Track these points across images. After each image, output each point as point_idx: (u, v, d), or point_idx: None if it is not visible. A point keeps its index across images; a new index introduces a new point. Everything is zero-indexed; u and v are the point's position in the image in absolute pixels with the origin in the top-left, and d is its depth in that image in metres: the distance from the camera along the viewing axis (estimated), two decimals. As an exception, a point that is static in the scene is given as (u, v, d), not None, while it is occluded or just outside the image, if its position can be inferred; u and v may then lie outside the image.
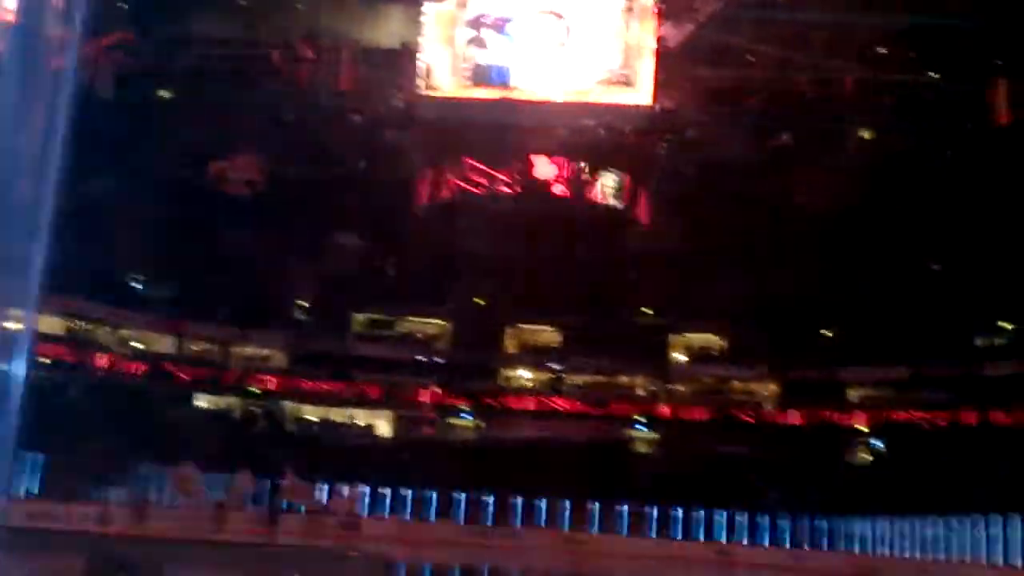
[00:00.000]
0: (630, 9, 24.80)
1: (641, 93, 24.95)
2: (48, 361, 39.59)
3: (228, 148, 32.90)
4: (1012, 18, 26.35)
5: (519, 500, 37.81)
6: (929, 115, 30.34)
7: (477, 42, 25.46)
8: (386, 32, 27.43)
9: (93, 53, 23.78)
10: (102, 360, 43.58)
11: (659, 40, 24.52)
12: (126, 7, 24.74)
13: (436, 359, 47.33)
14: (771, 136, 31.04)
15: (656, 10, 24.41)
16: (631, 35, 24.80)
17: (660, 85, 25.11)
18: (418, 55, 25.71)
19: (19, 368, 5.27)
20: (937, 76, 28.11)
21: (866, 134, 31.53)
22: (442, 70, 25.33)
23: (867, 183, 34.31)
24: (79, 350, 42.67)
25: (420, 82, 25.48)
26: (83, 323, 43.95)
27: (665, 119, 26.48)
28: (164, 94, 29.13)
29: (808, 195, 34.28)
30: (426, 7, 25.53)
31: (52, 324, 40.40)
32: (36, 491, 31.98)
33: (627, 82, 25.04)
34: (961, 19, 26.65)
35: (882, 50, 27.67)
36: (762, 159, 33.54)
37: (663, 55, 24.78)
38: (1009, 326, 44.12)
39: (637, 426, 46.04)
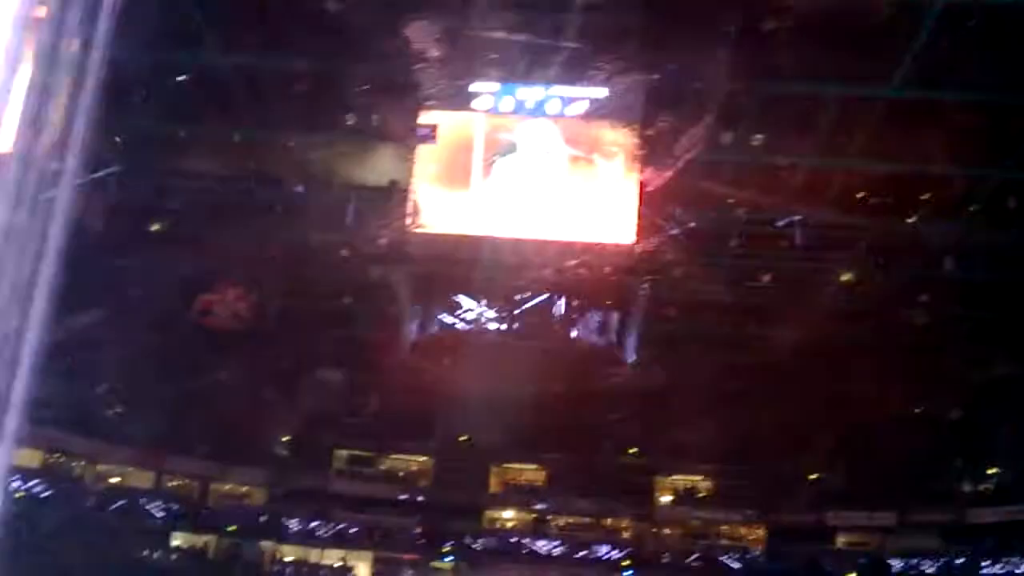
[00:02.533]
0: (614, 151, 25.28)
1: (625, 233, 25.23)
2: (22, 494, 38.98)
3: (216, 282, 33.02)
4: (986, 163, 27.00)
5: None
6: (909, 258, 30.74)
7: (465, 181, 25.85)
8: (376, 170, 27.90)
9: (86, 185, 24.12)
10: (78, 494, 42.85)
11: (642, 182, 24.95)
12: (119, 140, 25.20)
13: (418, 498, 46.76)
14: (752, 277, 31.36)
15: (639, 153, 24.89)
16: (615, 176, 25.23)
17: (643, 226, 25.44)
18: (406, 193, 26.04)
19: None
20: (914, 220, 28.63)
21: (845, 276, 31.90)
22: (429, 208, 25.67)
23: (851, 326, 34.53)
24: (54, 483, 41.98)
25: (408, 219, 25.74)
26: (60, 456, 43.39)
27: (649, 259, 26.75)
28: (154, 227, 29.39)
29: (792, 337, 34.42)
30: (415, 146, 25.94)
31: (29, 457, 39.90)
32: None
33: (612, 222, 25.35)
34: (936, 165, 27.23)
35: (860, 194, 28.25)
36: (745, 300, 33.78)
37: (646, 197, 25.17)
38: (996, 471, 44.05)
39: (623, 571, 45.25)
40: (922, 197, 28.90)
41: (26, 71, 4.41)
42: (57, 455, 43.29)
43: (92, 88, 4.77)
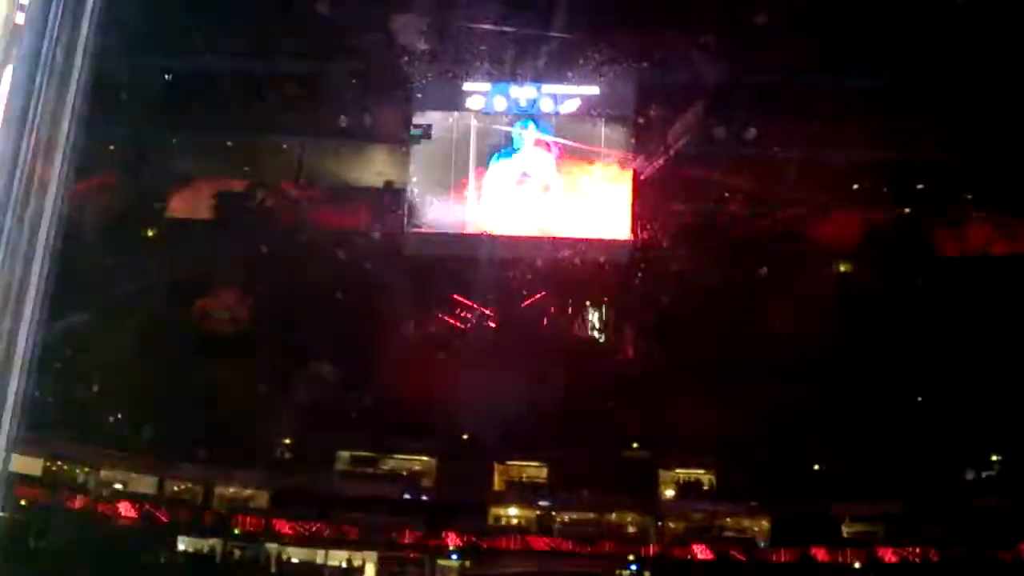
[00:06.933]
0: (607, 148, 25.36)
1: (620, 228, 25.31)
2: (24, 503, 39.01)
3: (212, 286, 33.08)
4: (983, 153, 27.05)
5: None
6: (906, 248, 30.82)
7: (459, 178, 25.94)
8: (371, 171, 28.01)
9: (79, 192, 24.19)
10: (80, 501, 42.86)
11: (635, 177, 25.05)
12: (112, 148, 25.28)
13: (422, 497, 46.77)
14: (751, 269, 31.41)
15: (632, 148, 24.99)
16: (609, 172, 25.31)
17: (638, 219, 25.53)
18: (402, 193, 26.15)
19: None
20: (909, 210, 28.74)
21: (843, 267, 31.98)
22: (425, 207, 25.76)
23: (849, 315, 34.54)
24: (57, 491, 41.99)
25: (404, 219, 25.85)
26: (61, 463, 43.42)
27: (644, 253, 26.84)
28: (149, 233, 29.49)
29: (793, 328, 34.43)
30: (409, 147, 26.04)
31: (29, 464, 39.93)
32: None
33: (606, 218, 25.42)
34: (932, 154, 27.32)
35: (856, 185, 28.35)
36: (745, 291, 33.84)
37: (640, 192, 25.27)
38: (1000, 458, 44.07)
39: (628, 565, 45.26)
40: (917, 186, 29.02)
41: (8, 74, 4.46)
42: (59, 462, 43.30)
43: (78, 90, 4.81)
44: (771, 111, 25.08)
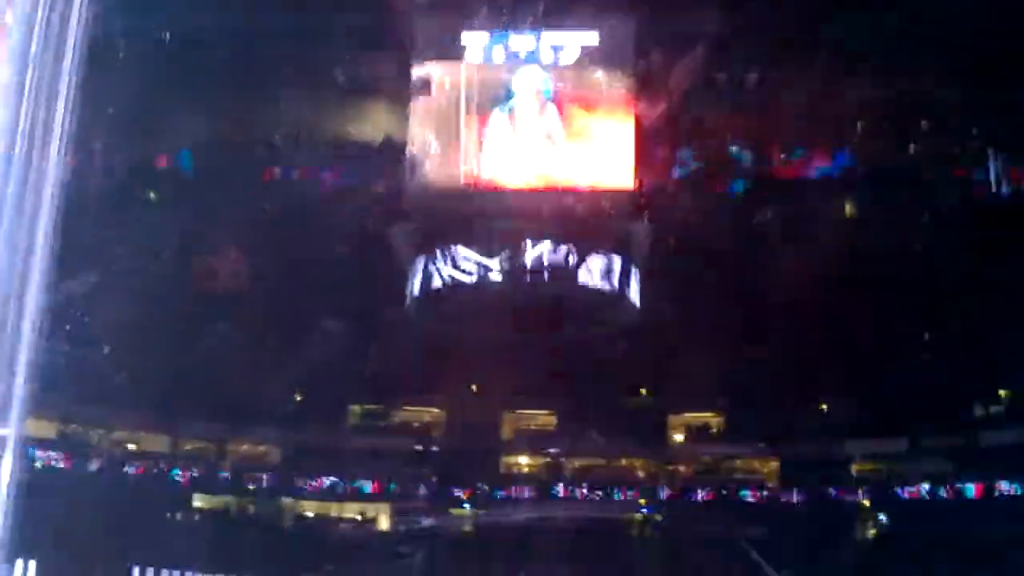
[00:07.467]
0: (608, 97, 25.21)
1: (623, 177, 25.24)
2: (39, 465, 39.34)
3: (214, 244, 33.08)
4: (991, 94, 26.81)
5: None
6: (912, 188, 30.67)
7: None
8: (372, 125, 27.89)
9: (80, 154, 24.11)
10: (94, 462, 43.20)
11: (637, 126, 24.92)
12: (112, 111, 25.13)
13: (432, 448, 47.12)
14: (756, 213, 31.32)
15: (633, 96, 24.84)
16: (610, 121, 25.18)
17: (641, 169, 25.45)
18: (403, 147, 26.06)
19: (6, 473, 5.26)
20: (916, 151, 28.53)
21: (848, 209, 31.85)
22: (425, 161, 25.69)
23: (854, 257, 34.49)
24: (70, 452, 42.30)
25: (406, 173, 25.79)
26: (73, 425, 43.65)
27: (648, 201, 26.78)
28: (150, 193, 29.44)
29: (798, 270, 34.41)
30: (411, 100, 25.91)
31: (41, 427, 40.23)
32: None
33: (609, 167, 25.34)
34: (940, 93, 27.09)
35: (860, 125, 28.15)
36: (749, 236, 33.76)
37: (642, 140, 25.15)
38: (1008, 394, 44.14)
39: (638, 509, 45.67)
40: (922, 124, 28.85)
41: (6, 42, 4.49)
42: (72, 425, 43.53)
43: (74, 53, 4.83)
44: (773, 56, 24.90)
